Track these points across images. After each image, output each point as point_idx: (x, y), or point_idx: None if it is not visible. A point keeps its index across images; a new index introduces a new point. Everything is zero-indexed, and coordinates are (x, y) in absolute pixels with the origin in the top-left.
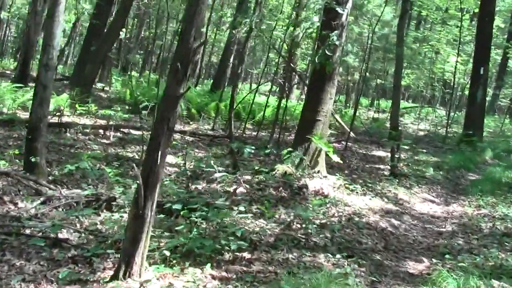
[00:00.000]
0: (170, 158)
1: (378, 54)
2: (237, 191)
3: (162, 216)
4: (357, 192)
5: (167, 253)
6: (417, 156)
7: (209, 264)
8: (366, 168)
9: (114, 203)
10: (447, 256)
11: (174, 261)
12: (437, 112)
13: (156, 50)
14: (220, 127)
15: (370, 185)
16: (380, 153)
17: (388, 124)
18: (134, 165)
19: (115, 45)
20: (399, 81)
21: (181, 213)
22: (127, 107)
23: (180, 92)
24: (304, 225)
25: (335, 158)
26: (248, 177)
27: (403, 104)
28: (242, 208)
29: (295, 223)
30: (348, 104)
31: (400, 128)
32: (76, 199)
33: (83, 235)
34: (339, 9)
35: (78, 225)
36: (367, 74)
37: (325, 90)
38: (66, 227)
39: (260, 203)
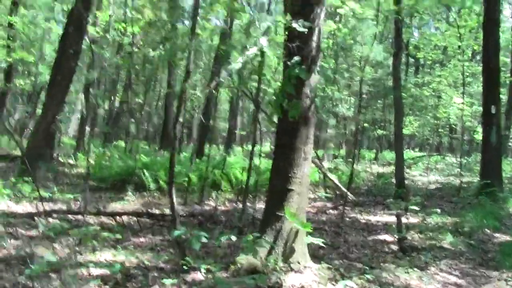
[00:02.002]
0: (106, 255)
1: (376, 102)
2: None
3: None
4: None
5: None
6: (429, 217)
7: None
8: (367, 242)
9: None
10: None
11: None
12: (447, 160)
13: (143, 118)
14: (194, 201)
15: (370, 273)
16: (386, 218)
17: (394, 180)
18: None
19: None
20: (400, 129)
21: None
22: (92, 184)
23: None
24: None
25: (314, 241)
26: (201, 278)
27: (409, 154)
28: None
29: None
30: (349, 160)
31: (407, 183)
32: None
33: None
34: (297, 26)
35: None
36: (366, 124)
37: (296, 148)
38: None
39: None
